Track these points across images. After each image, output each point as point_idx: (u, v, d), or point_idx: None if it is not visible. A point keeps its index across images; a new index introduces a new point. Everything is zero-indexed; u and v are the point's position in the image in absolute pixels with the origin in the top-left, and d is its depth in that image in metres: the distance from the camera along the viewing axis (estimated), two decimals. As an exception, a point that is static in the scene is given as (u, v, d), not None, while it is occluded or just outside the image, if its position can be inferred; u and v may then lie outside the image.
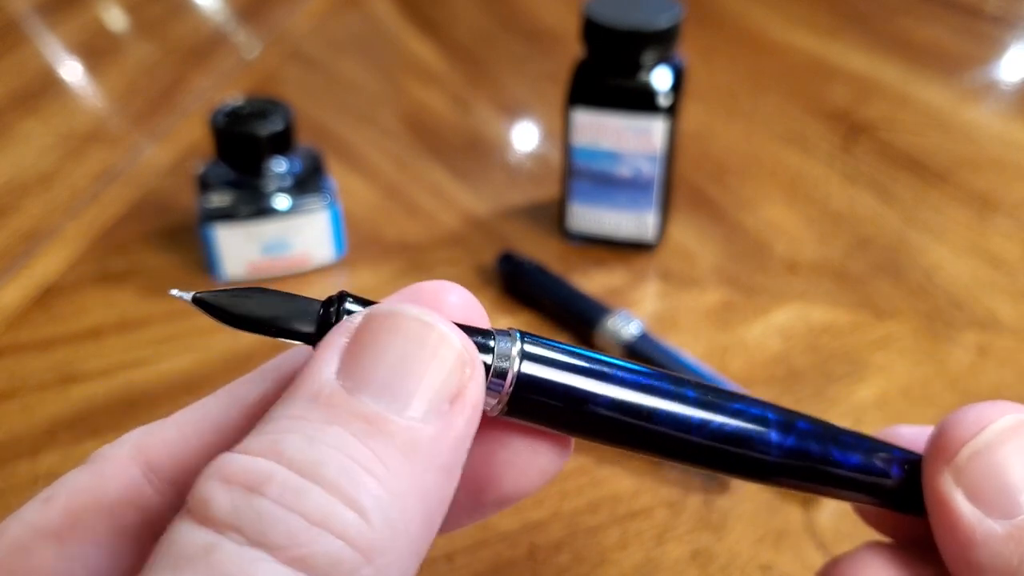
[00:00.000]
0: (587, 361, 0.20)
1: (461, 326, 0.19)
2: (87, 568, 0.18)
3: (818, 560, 0.35)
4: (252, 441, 0.16)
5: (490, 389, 0.19)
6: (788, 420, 0.22)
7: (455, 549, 0.35)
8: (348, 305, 0.19)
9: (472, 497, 0.21)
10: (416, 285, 0.21)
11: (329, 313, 0.19)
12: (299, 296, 0.19)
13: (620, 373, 0.20)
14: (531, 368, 0.19)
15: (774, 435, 0.21)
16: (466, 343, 0.18)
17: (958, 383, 0.43)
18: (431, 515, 0.17)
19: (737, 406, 0.21)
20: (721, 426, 0.21)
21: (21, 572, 0.18)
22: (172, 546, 0.15)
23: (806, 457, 0.22)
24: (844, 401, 0.41)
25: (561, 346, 0.20)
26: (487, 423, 0.20)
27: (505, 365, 0.19)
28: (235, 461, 0.16)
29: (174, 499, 0.19)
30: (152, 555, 0.15)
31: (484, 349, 0.19)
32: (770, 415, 0.21)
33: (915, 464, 0.23)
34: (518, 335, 0.19)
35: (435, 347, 0.17)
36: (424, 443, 0.16)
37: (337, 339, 0.17)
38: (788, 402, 0.41)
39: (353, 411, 0.16)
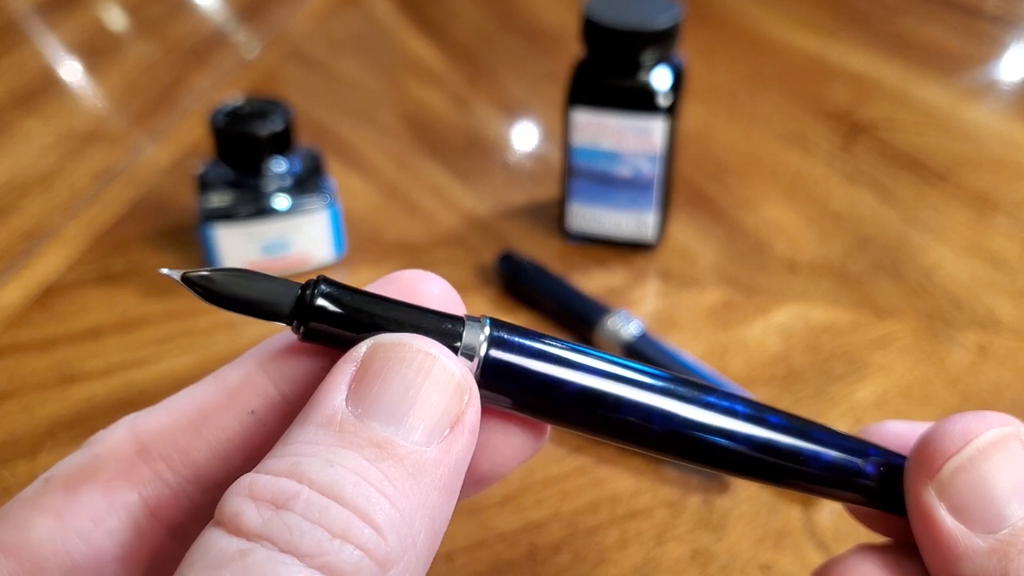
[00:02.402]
0: (555, 348, 0.21)
1: (434, 311, 0.20)
2: (87, 542, 0.19)
3: (818, 560, 0.35)
4: (273, 462, 0.18)
5: None
6: (758, 414, 0.22)
7: (455, 549, 0.35)
8: (323, 287, 0.20)
9: None
10: (395, 273, 0.22)
11: (306, 296, 0.19)
12: (281, 279, 0.20)
13: (588, 361, 0.21)
14: (498, 354, 0.20)
15: (742, 428, 0.21)
16: (464, 373, 0.19)
17: (958, 383, 0.43)
18: (436, 529, 0.18)
19: (704, 397, 0.21)
20: (686, 417, 0.21)
21: (24, 548, 0.19)
22: (206, 552, 0.16)
23: (774, 451, 0.22)
24: (844, 401, 0.41)
25: (531, 333, 0.21)
26: None
27: (472, 350, 0.20)
28: (261, 481, 0.17)
29: (165, 475, 0.20)
30: (184, 561, 0.17)
31: (454, 335, 0.20)
32: (739, 408, 0.22)
33: (892, 465, 0.23)
34: (487, 322, 0.20)
35: (437, 377, 0.19)
36: (428, 465, 0.18)
37: (346, 367, 0.19)
38: (788, 401, 0.41)
39: (364, 436, 0.18)
